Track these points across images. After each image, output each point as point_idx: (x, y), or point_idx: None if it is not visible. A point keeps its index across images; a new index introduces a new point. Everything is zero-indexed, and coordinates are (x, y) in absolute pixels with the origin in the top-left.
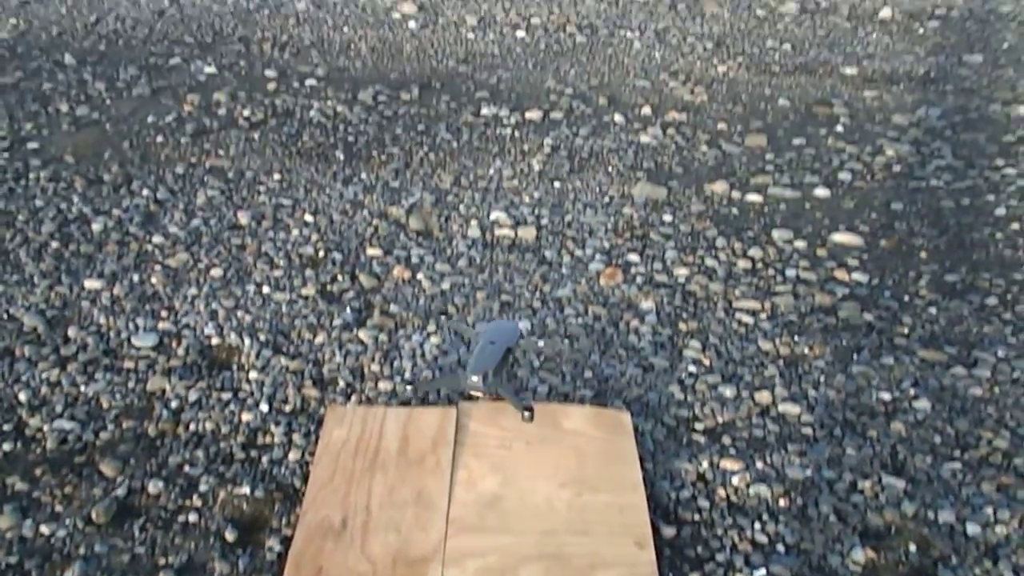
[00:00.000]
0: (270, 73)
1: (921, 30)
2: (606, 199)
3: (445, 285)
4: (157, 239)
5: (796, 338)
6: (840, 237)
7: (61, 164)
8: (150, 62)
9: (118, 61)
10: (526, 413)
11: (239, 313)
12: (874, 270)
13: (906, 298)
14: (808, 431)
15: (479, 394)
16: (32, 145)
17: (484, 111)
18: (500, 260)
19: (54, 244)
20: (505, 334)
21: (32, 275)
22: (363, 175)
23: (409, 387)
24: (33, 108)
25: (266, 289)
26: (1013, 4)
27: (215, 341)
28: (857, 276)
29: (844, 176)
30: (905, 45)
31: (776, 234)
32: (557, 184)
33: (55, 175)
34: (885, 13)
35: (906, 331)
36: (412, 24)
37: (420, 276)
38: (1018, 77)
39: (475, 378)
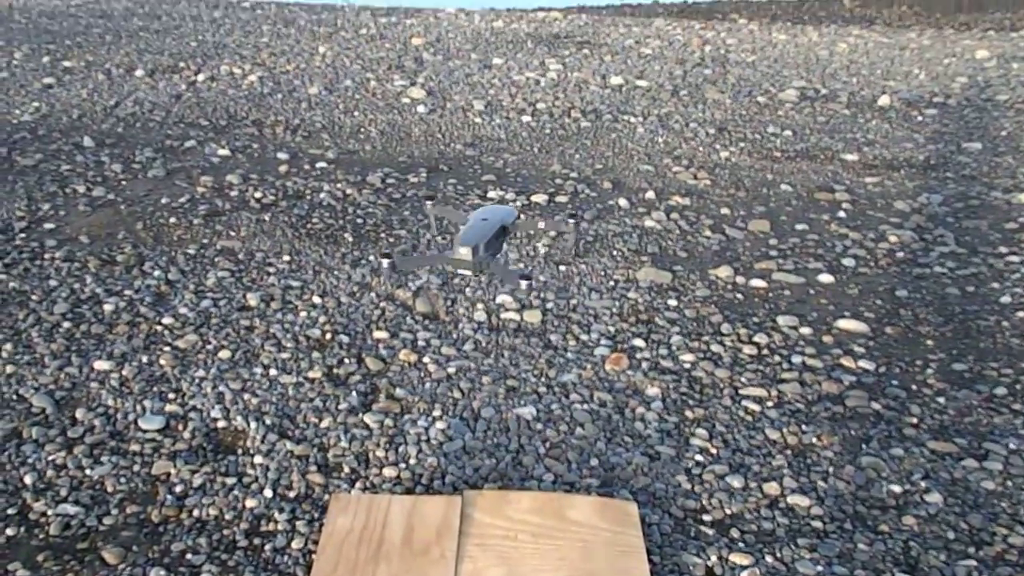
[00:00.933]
0: (282, 156)
1: (920, 117)
2: (611, 283)
3: (451, 369)
4: (167, 320)
5: (804, 427)
6: (845, 324)
7: (76, 244)
8: (166, 144)
9: (135, 143)
10: (523, 282)
11: (246, 396)
12: (880, 358)
13: (914, 387)
14: (818, 524)
15: (468, 272)
16: (48, 225)
17: (491, 194)
18: (506, 344)
19: (66, 324)
20: (499, 213)
21: (43, 355)
22: (371, 257)
23: (414, 475)
24: (51, 189)
25: (273, 372)
26: (1009, 93)
27: (221, 424)
28: (864, 364)
29: (848, 262)
30: (904, 132)
31: (781, 320)
32: (562, 268)
33: (70, 255)
34: (884, 101)
35: (915, 421)
36: (421, 108)
37: (426, 360)
38: (1017, 164)
39: (464, 250)
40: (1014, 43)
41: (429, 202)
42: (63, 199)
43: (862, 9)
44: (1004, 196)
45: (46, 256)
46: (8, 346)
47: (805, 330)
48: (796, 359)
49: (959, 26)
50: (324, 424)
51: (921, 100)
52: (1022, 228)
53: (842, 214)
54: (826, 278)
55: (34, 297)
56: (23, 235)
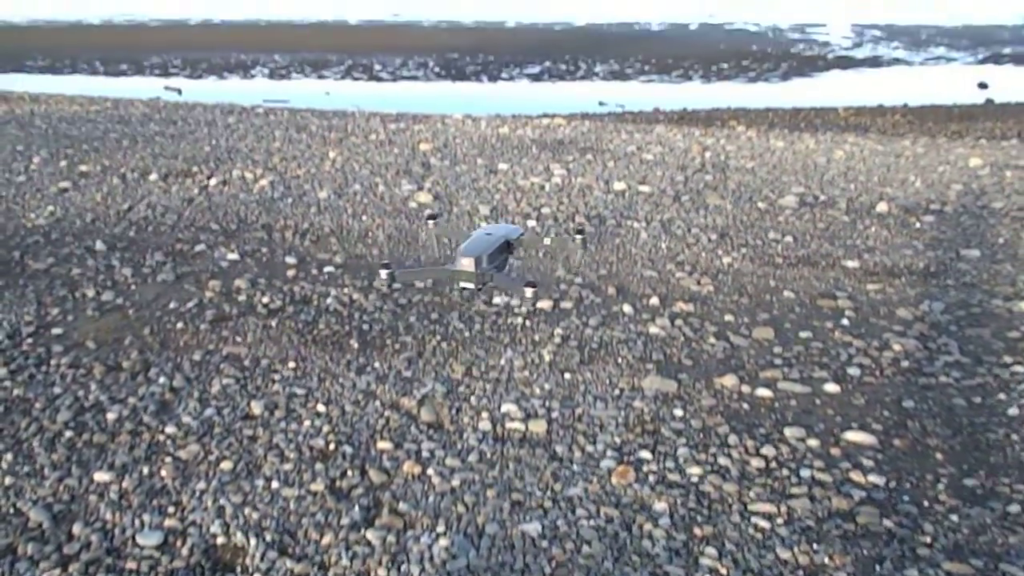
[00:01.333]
0: (290, 260)
1: (918, 224)
2: (616, 391)
3: (455, 482)
4: (170, 429)
5: (815, 546)
6: (853, 436)
7: (82, 350)
8: (176, 248)
9: (146, 247)
10: (528, 290)
11: (246, 510)
12: (890, 472)
13: (925, 503)
14: None
15: (470, 284)
16: (56, 330)
17: (496, 300)
18: (511, 455)
19: (68, 433)
20: (504, 229)
21: (43, 466)
22: (376, 364)
23: None
24: (61, 293)
25: (275, 484)
26: (1004, 200)
27: (220, 540)
28: (873, 478)
29: (853, 371)
30: (903, 239)
31: (788, 431)
32: (567, 376)
33: (75, 361)
34: (882, 207)
35: (928, 540)
36: (427, 213)
37: (430, 471)
38: (1017, 272)
39: (466, 260)
40: (1005, 151)
41: (431, 222)
42: (72, 303)
43: (856, 118)
44: (1005, 304)
45: (52, 362)
46: (8, 456)
47: (813, 442)
48: (805, 473)
49: (951, 134)
50: (325, 540)
51: (918, 207)
52: None
53: (845, 321)
54: (832, 387)
55: (37, 405)
56: (30, 340)
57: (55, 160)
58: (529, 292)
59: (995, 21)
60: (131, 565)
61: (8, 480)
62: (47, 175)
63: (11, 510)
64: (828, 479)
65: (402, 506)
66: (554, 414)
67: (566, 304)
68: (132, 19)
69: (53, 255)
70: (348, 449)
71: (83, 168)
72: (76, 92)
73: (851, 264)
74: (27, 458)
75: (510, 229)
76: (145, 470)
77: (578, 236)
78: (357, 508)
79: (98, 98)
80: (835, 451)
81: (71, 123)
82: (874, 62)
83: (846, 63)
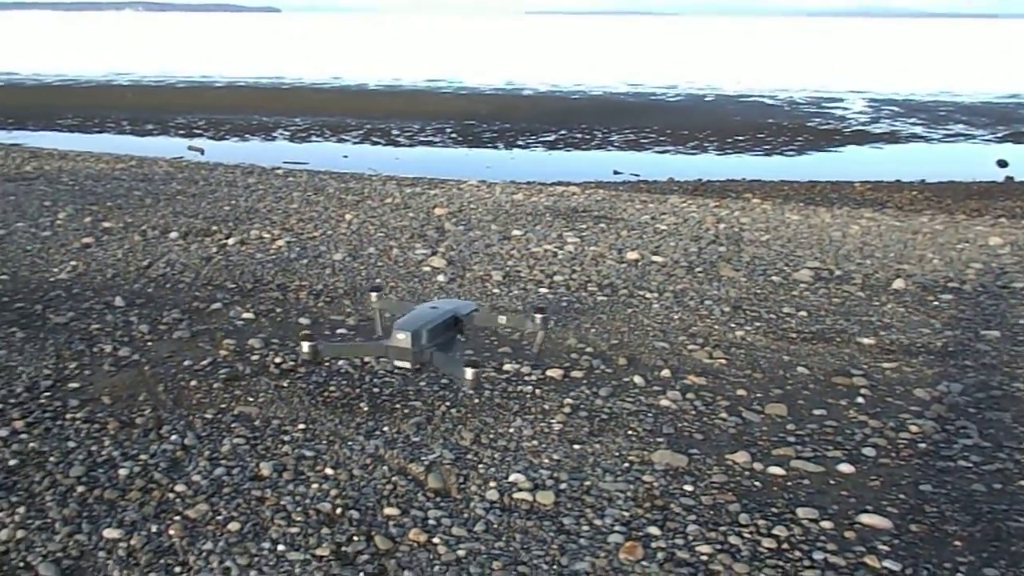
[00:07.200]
0: (304, 321)
1: (935, 302)
2: (625, 464)
3: (461, 551)
4: (180, 487)
5: None
6: (868, 519)
7: (97, 405)
8: (193, 306)
9: (163, 304)
10: (468, 371)
11: (252, 573)
12: (907, 558)
13: None
14: None
15: (405, 363)
16: (73, 384)
17: (506, 366)
18: (518, 526)
19: (80, 488)
20: (452, 304)
21: (54, 521)
22: (385, 428)
23: None
24: (79, 348)
25: (281, 547)
26: None
27: None
28: (889, 564)
29: (868, 452)
30: (921, 317)
31: (801, 512)
32: (576, 447)
33: (90, 416)
34: (898, 284)
35: None
36: (441, 277)
37: (436, 540)
38: None
39: (402, 335)
40: None
41: (374, 294)
42: (89, 358)
43: (873, 192)
44: None
45: (67, 416)
46: (21, 509)
47: (826, 523)
48: (818, 556)
49: (970, 212)
50: None
51: (936, 285)
52: None
53: (860, 400)
54: (846, 468)
55: (52, 459)
56: (48, 394)
57: (80, 216)
58: (470, 374)
59: (1016, 99)
60: None
61: (20, 534)
62: (71, 230)
63: (21, 564)
64: (842, 563)
65: (407, 575)
66: (562, 485)
67: (576, 373)
68: (160, 79)
69: (73, 309)
70: (355, 514)
71: (106, 224)
72: (103, 150)
73: (867, 341)
74: (39, 512)
75: (460, 304)
76: (154, 528)
77: (538, 315)
78: (362, 575)
79: (123, 156)
80: (849, 534)
81: (96, 180)
82: (892, 137)
83: (863, 137)
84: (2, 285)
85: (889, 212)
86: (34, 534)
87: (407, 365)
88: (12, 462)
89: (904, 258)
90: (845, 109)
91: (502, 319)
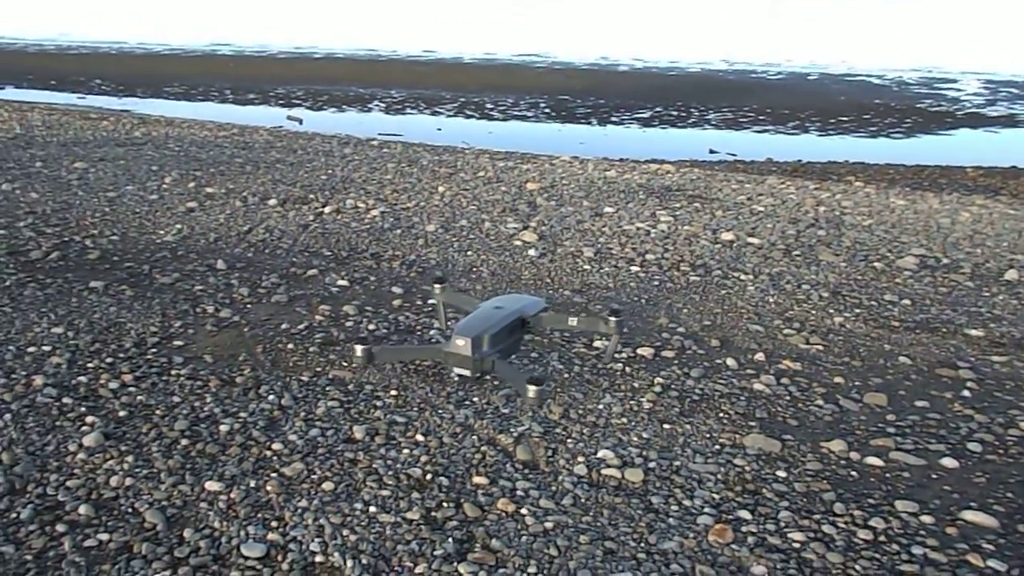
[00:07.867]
0: (396, 290)
1: None
2: (716, 447)
3: (548, 524)
4: (277, 446)
5: None
6: (972, 516)
7: (200, 363)
8: (290, 271)
9: (262, 269)
10: (531, 389)
11: (345, 532)
12: (1013, 559)
13: None
14: None
15: (465, 371)
16: (178, 342)
17: (597, 343)
18: (605, 502)
19: (184, 441)
20: (519, 303)
21: (160, 471)
22: (475, 398)
23: None
24: (184, 307)
25: (373, 508)
26: None
27: (319, 559)
28: (993, 563)
29: (974, 447)
30: None
31: (900, 504)
32: (667, 426)
33: (193, 373)
34: (1011, 275)
35: None
36: (532, 252)
37: (524, 511)
38: None
39: (461, 341)
40: None
41: (438, 286)
42: (193, 318)
43: (986, 179)
44: None
45: (172, 372)
46: (130, 458)
47: (926, 518)
48: (917, 550)
49: None
50: (419, 569)
51: None
52: None
53: (967, 393)
54: (950, 462)
55: (158, 412)
56: (154, 350)
57: (184, 181)
58: (532, 392)
59: None
60: (235, 574)
61: (128, 481)
62: (176, 195)
63: (129, 509)
64: (943, 559)
65: (495, 543)
66: (651, 464)
67: (667, 353)
68: (261, 49)
69: (178, 271)
70: (444, 481)
71: (209, 190)
72: (206, 118)
73: (974, 333)
74: (146, 462)
75: (528, 303)
76: (252, 483)
77: (612, 318)
78: (451, 540)
79: (226, 124)
80: (951, 530)
81: (200, 147)
82: (1009, 121)
83: (977, 120)
84: (113, 245)
85: (1003, 200)
86: (141, 482)
87: (467, 373)
88: (122, 413)
89: (1018, 248)
90: (959, 90)
91: (573, 321)
